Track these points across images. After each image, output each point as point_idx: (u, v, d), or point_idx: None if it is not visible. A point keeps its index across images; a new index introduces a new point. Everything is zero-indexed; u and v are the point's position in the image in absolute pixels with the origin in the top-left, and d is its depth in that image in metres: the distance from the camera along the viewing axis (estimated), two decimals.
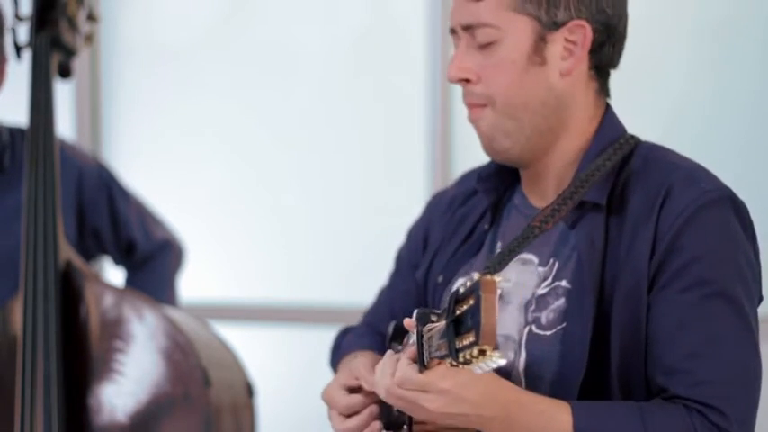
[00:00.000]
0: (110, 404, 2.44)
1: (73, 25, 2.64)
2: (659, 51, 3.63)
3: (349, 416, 1.86)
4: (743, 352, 1.74)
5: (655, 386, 1.76)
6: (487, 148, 1.88)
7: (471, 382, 1.65)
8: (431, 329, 1.61)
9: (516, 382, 1.82)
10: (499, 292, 1.54)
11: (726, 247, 1.75)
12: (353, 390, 1.88)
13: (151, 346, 2.44)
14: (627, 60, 1.91)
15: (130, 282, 2.94)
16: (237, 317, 4.09)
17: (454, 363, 1.51)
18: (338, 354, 2.14)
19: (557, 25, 1.80)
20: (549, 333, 1.80)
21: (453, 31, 1.87)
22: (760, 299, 1.83)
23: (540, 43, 1.81)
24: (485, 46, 1.82)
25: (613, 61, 1.87)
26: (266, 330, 4.13)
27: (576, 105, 1.85)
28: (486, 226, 1.96)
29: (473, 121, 1.87)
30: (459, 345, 1.50)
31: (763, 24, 3.69)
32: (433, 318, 1.63)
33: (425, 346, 1.62)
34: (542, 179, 1.89)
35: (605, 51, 1.85)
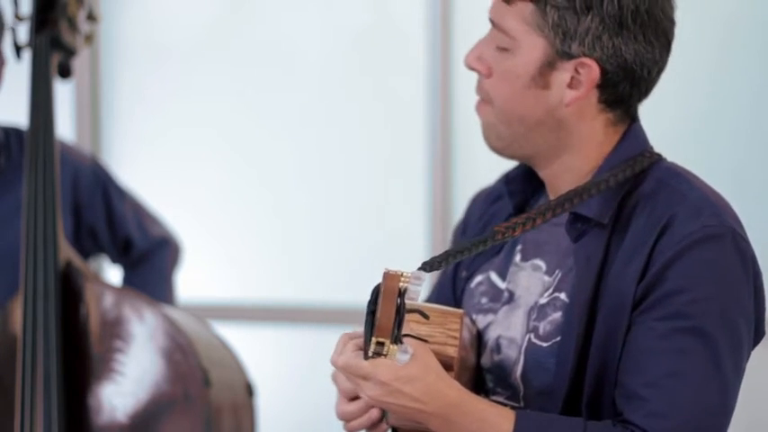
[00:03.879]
0: (110, 404, 2.44)
1: (73, 25, 2.64)
2: None
3: (352, 399, 1.85)
4: (705, 393, 1.71)
5: (616, 407, 1.75)
6: (485, 141, 1.88)
7: (414, 378, 1.66)
8: None
9: (515, 387, 1.83)
10: (415, 287, 1.56)
11: (713, 285, 1.73)
12: None
13: (151, 346, 2.44)
14: None
15: (128, 280, 2.93)
16: (237, 317, 4.09)
17: (368, 356, 1.55)
18: None
19: (569, 56, 1.78)
20: (545, 345, 1.80)
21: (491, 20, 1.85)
22: (761, 335, 1.80)
23: (546, 68, 1.79)
24: (500, 49, 1.81)
25: (632, 99, 1.84)
26: (266, 330, 4.13)
27: (579, 132, 1.83)
28: None
29: (477, 111, 1.87)
30: (370, 337, 1.54)
31: (762, 27, 3.69)
32: None
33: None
34: (556, 188, 1.87)
35: (620, 90, 1.81)
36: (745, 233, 1.78)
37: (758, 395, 3.56)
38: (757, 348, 1.82)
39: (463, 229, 2.07)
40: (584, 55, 1.78)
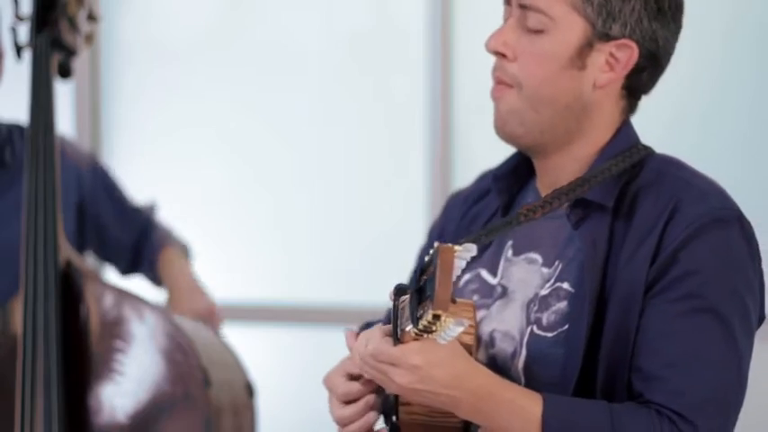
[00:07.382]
0: (110, 404, 2.44)
1: (73, 25, 2.64)
2: None
3: (347, 403, 1.85)
4: (723, 370, 1.75)
5: (633, 391, 1.77)
6: (499, 129, 1.86)
7: (444, 362, 1.66)
8: (404, 301, 1.63)
9: (516, 379, 1.83)
10: (460, 261, 1.55)
11: (724, 267, 1.76)
12: (354, 377, 1.87)
13: (151, 346, 2.44)
14: None
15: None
16: (237, 317, 4.09)
17: (416, 332, 1.54)
18: None
19: (608, 37, 1.80)
20: (550, 335, 1.81)
21: (508, 1, 1.84)
22: (762, 319, 1.83)
23: (585, 48, 1.80)
24: (533, 31, 1.80)
25: (647, 87, 1.87)
26: (266, 330, 4.13)
27: (599, 117, 1.85)
28: None
29: (495, 97, 1.85)
30: (419, 313, 1.53)
31: (763, 26, 3.69)
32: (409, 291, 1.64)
33: (400, 318, 1.64)
34: (554, 177, 1.88)
35: (642, 77, 1.84)
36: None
37: (759, 396, 3.56)
38: (757, 349, 1.82)
39: (440, 231, 2.07)
40: (624, 36, 1.80)
